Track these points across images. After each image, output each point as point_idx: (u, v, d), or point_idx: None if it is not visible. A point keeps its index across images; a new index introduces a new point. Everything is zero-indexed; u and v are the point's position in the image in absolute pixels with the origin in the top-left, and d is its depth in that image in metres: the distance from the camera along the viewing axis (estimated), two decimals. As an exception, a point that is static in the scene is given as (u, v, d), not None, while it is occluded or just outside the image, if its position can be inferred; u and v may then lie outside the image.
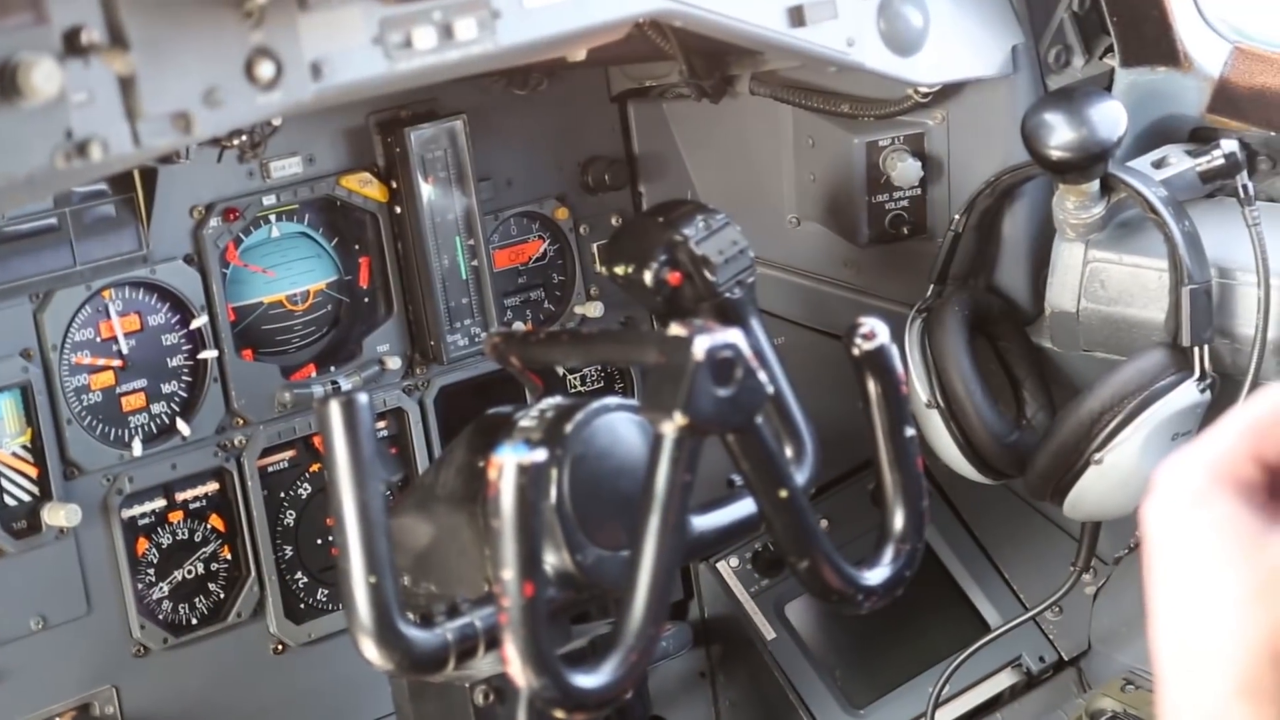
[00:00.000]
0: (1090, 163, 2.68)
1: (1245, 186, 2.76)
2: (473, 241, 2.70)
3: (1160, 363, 2.70)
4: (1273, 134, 2.82)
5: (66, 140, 1.99)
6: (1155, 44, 2.84)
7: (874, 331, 2.38)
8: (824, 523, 2.85)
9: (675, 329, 2.23)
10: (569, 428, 2.32)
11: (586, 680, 2.16)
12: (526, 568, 2.08)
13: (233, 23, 2.09)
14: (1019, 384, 2.92)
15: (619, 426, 2.36)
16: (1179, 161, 2.79)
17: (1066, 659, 3.06)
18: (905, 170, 2.88)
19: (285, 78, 2.12)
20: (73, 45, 1.98)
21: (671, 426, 2.18)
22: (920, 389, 2.80)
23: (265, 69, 2.10)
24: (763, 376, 2.25)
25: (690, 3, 2.44)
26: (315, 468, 2.63)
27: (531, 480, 2.08)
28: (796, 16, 2.55)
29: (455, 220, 2.69)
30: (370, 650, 2.16)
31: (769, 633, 3.02)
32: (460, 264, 2.69)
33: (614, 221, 2.90)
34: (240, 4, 2.09)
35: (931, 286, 2.87)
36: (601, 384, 2.92)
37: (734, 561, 3.03)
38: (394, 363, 2.68)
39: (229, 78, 2.08)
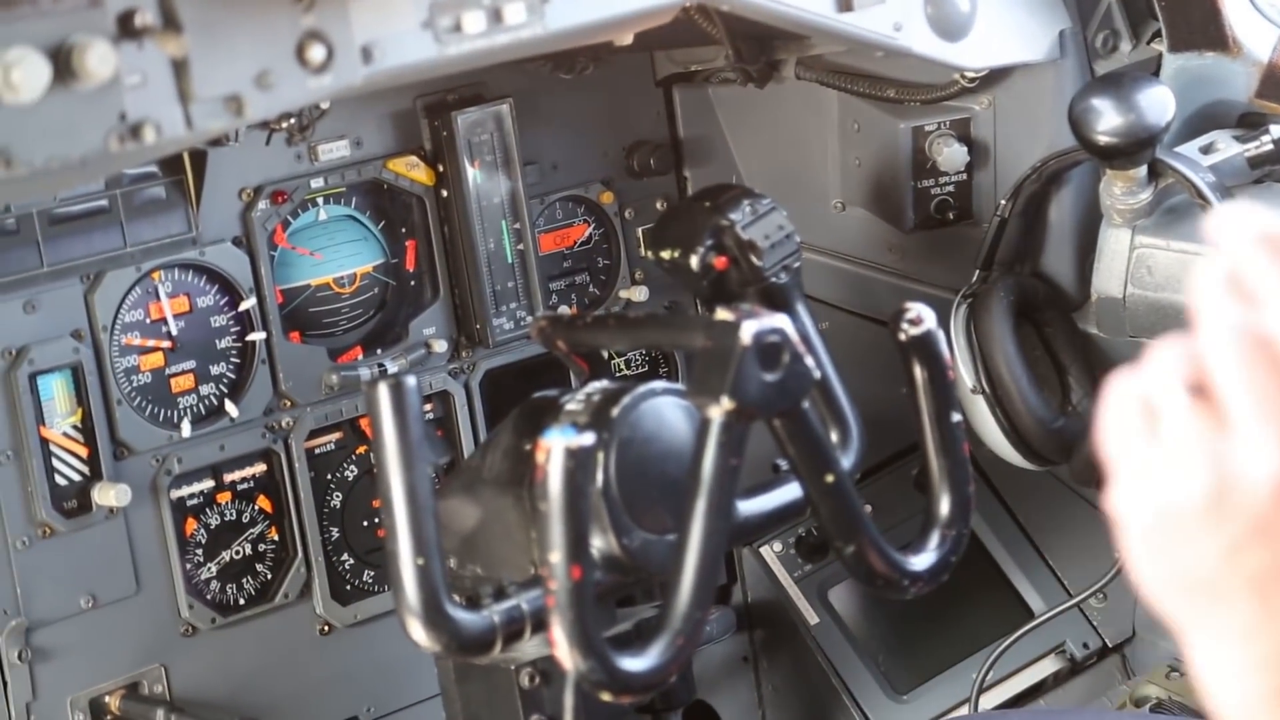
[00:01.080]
0: (1138, 148, 2.67)
1: (1296, 173, 2.74)
2: (518, 225, 2.71)
3: (1206, 350, 2.71)
4: (1322, 120, 2.80)
5: (120, 123, 2.00)
6: (1203, 29, 2.83)
7: (921, 317, 2.38)
8: (868, 508, 2.85)
9: (722, 314, 2.24)
10: (616, 412, 2.32)
11: (633, 663, 2.16)
12: (574, 551, 2.09)
13: (285, 6, 2.10)
14: (1064, 370, 2.91)
15: (666, 411, 2.36)
16: (1227, 147, 2.78)
17: (1111, 646, 3.06)
18: (951, 155, 2.88)
19: (336, 61, 2.12)
20: (127, 28, 1.99)
21: (719, 411, 2.19)
22: (966, 374, 2.80)
23: (316, 52, 2.11)
24: (809, 361, 2.26)
25: (738, -13, 2.45)
26: (362, 450, 2.64)
27: (579, 464, 2.09)
28: (844, 1, 2.55)
29: (501, 204, 2.69)
30: (418, 631, 2.17)
31: (812, 618, 3.02)
32: (506, 248, 2.70)
33: (659, 206, 2.90)
34: (291, -13, 2.11)
35: (977, 272, 2.87)
36: (646, 368, 2.92)
37: (777, 546, 3.03)
38: (440, 346, 2.69)
39: (280, 60, 2.09)
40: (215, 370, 2.53)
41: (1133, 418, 1.19)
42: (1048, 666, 3.04)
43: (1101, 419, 1.20)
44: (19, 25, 1.94)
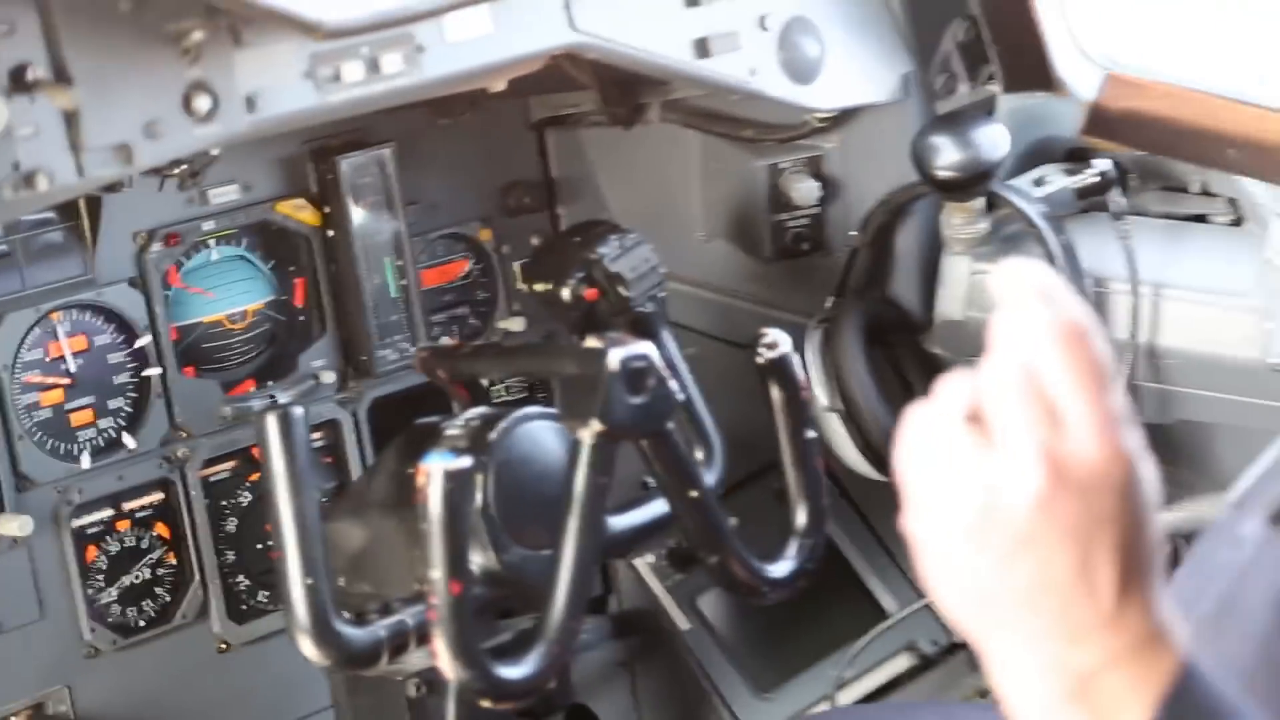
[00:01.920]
0: (975, 182, 2.71)
1: (1118, 203, 2.79)
2: (401, 262, 2.70)
3: (1041, 369, 2.73)
4: (1142, 153, 2.86)
5: (14, 172, 1.98)
6: (1033, 71, 2.86)
7: (777, 341, 2.41)
8: (733, 520, 2.86)
9: (591, 341, 2.25)
10: (493, 435, 2.33)
11: (511, 671, 2.17)
12: (453, 568, 2.10)
13: (171, 59, 2.09)
14: (912, 388, 2.92)
15: (540, 433, 2.37)
16: (1057, 180, 2.82)
17: (959, 642, 3.04)
18: (805, 190, 2.90)
19: (221, 110, 2.12)
20: (18, 82, 1.98)
21: (588, 433, 2.21)
22: (821, 394, 2.81)
23: (202, 102, 2.10)
24: (673, 385, 2.27)
25: (602, 36, 2.46)
26: (255, 477, 2.61)
27: (457, 486, 2.10)
28: (702, 48, 2.57)
29: (385, 242, 2.68)
30: (308, 647, 2.17)
31: (683, 624, 3.02)
32: (390, 283, 2.69)
33: (534, 241, 2.90)
34: (178, 41, 2.09)
35: (831, 299, 2.88)
36: (524, 394, 2.91)
37: (649, 558, 3.03)
38: (328, 377, 2.68)
39: (168, 111, 2.08)
40: (113, 404, 2.50)
41: (920, 446, 1.25)
42: (901, 663, 3.04)
43: (898, 449, 1.26)
44: (-86, 81, 1.93)
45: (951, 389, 1.24)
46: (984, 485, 1.21)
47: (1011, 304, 1.20)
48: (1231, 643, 1.59)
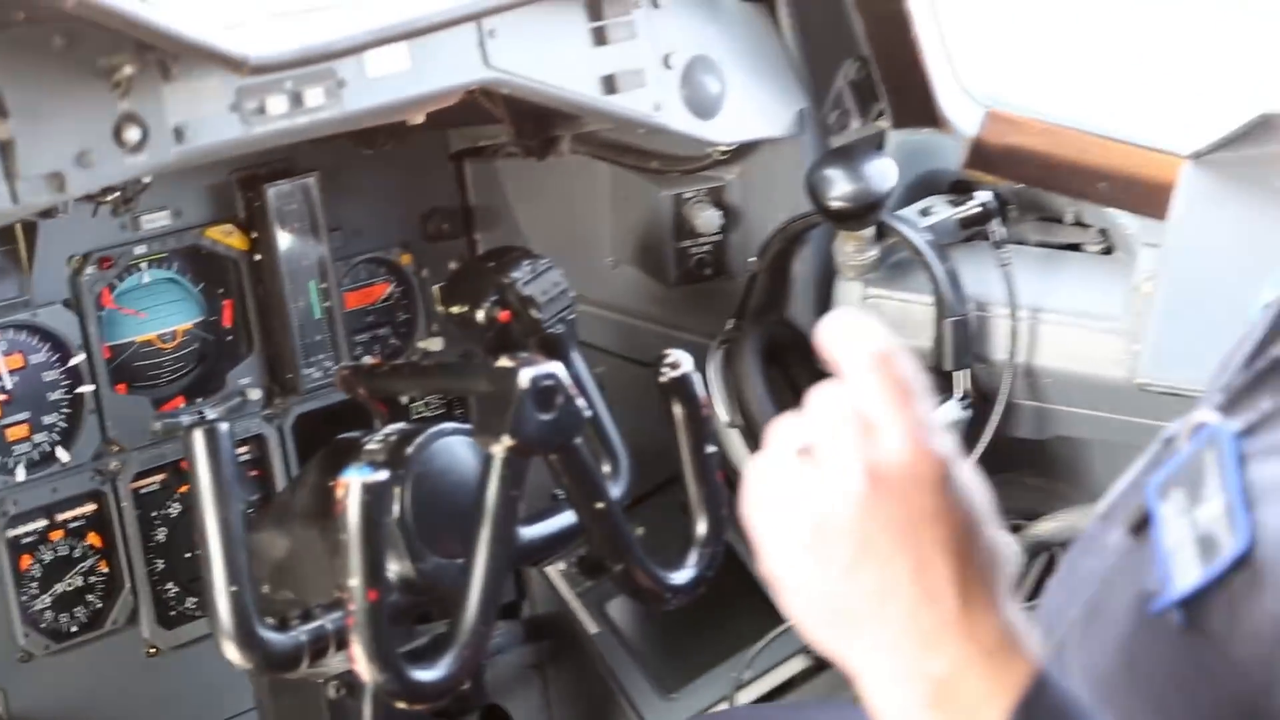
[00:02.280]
0: (865, 212, 2.73)
1: (998, 232, 2.82)
2: (325, 285, 2.69)
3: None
4: (1021, 186, 2.88)
5: (-50, 200, 1.98)
6: (920, 108, 2.89)
7: (679, 361, 2.42)
8: (640, 530, 2.86)
9: (503, 361, 2.25)
10: (410, 450, 2.33)
11: (425, 674, 2.17)
12: (370, 576, 2.10)
13: (103, 92, 2.08)
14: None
15: (455, 448, 2.37)
16: (941, 210, 2.84)
17: (853, 643, 3.07)
18: (707, 219, 2.91)
19: (150, 141, 2.11)
20: (-45, 114, 1.98)
21: (500, 448, 2.21)
22: (722, 410, 2.82)
23: (132, 133, 2.10)
24: (581, 403, 2.28)
25: (515, 73, 2.46)
26: (184, 489, 2.59)
27: (374, 498, 2.10)
28: (609, 84, 2.58)
29: (310, 266, 2.67)
30: (232, 652, 2.17)
31: (592, 628, 3.01)
32: (314, 305, 2.68)
33: (452, 266, 2.88)
34: (109, 75, 2.08)
35: (731, 321, 2.90)
36: (443, 410, 2.91)
37: (560, 565, 3.02)
38: (255, 394, 2.67)
39: (99, 141, 2.08)
40: (48, 420, 2.48)
41: (759, 487, 1.31)
42: (797, 664, 3.03)
43: (744, 499, 1.32)
44: None
45: (781, 430, 1.30)
46: (815, 501, 1.26)
47: (834, 346, 1.28)
48: (1097, 647, 1.61)
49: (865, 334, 1.29)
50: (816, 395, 1.29)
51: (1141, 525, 1.57)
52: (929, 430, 1.27)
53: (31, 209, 2.06)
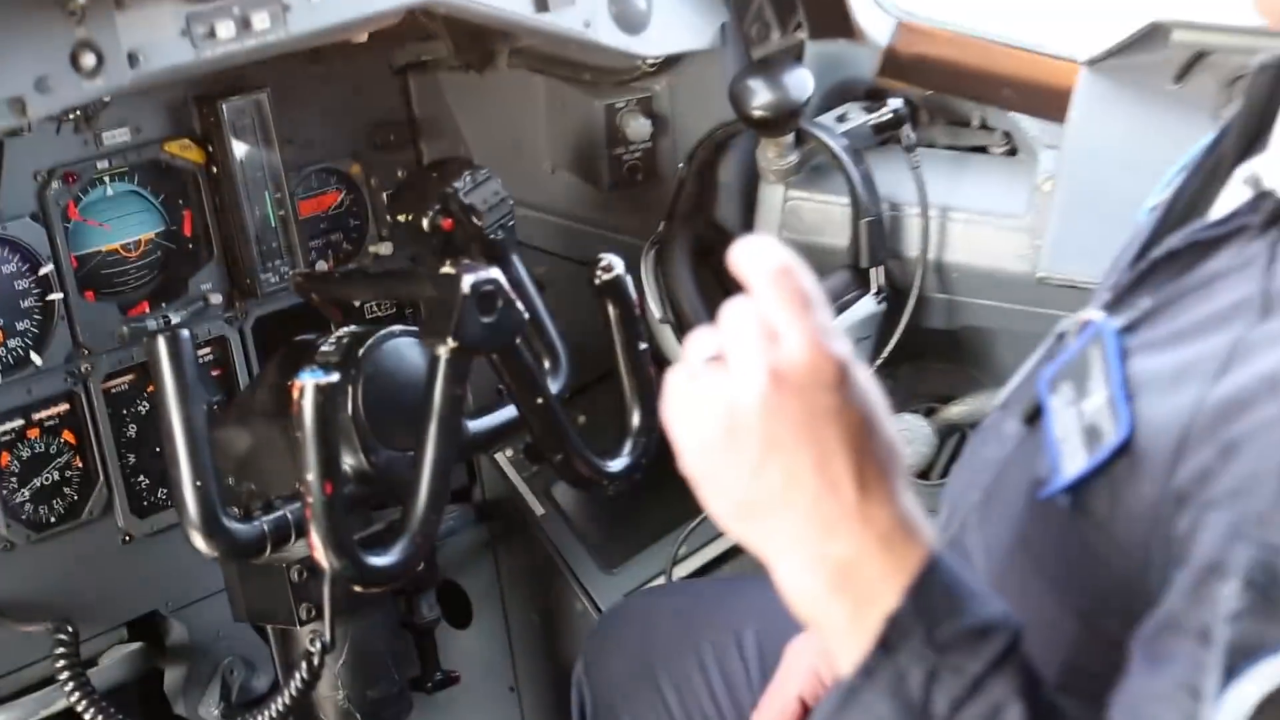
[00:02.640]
0: (785, 120, 2.73)
1: (909, 136, 2.83)
2: (280, 195, 2.67)
3: (845, 281, 2.77)
4: (930, 93, 2.89)
5: (-86, 127, 1.97)
6: (835, 20, 2.88)
7: (611, 265, 2.43)
8: (581, 418, 2.89)
9: (446, 268, 2.26)
10: (361, 352, 2.34)
11: (379, 560, 2.19)
12: (325, 470, 2.11)
13: (59, 20, 2.08)
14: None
15: (404, 349, 2.38)
16: (856, 117, 2.85)
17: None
18: (638, 127, 2.91)
19: (106, 66, 2.11)
20: (-83, 43, 1.97)
21: (445, 349, 2.23)
22: (654, 307, 2.84)
23: (88, 59, 2.09)
24: (520, 306, 2.29)
25: (450, -7, 2.46)
26: (152, 388, 2.59)
27: (327, 399, 2.11)
28: (541, 3, 2.57)
29: (264, 177, 2.65)
30: (199, 541, 2.19)
31: (539, 509, 3.04)
32: (270, 214, 2.67)
33: (400, 174, 2.88)
34: (64, 4, 2.07)
35: (662, 223, 2.90)
36: (393, 311, 2.91)
37: (509, 452, 3.05)
38: (216, 298, 2.66)
39: (57, 67, 2.07)
40: (21, 326, 2.46)
41: (675, 394, 1.36)
42: (727, 541, 3.06)
43: (664, 406, 1.37)
44: None
45: (695, 342, 1.35)
46: (724, 403, 1.30)
47: (742, 264, 1.33)
48: (995, 526, 1.65)
49: (770, 252, 1.32)
50: (727, 308, 1.32)
51: (1034, 416, 1.60)
52: (827, 334, 1.31)
53: (-7, 133, 2.06)
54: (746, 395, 1.30)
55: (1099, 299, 1.67)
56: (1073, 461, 1.48)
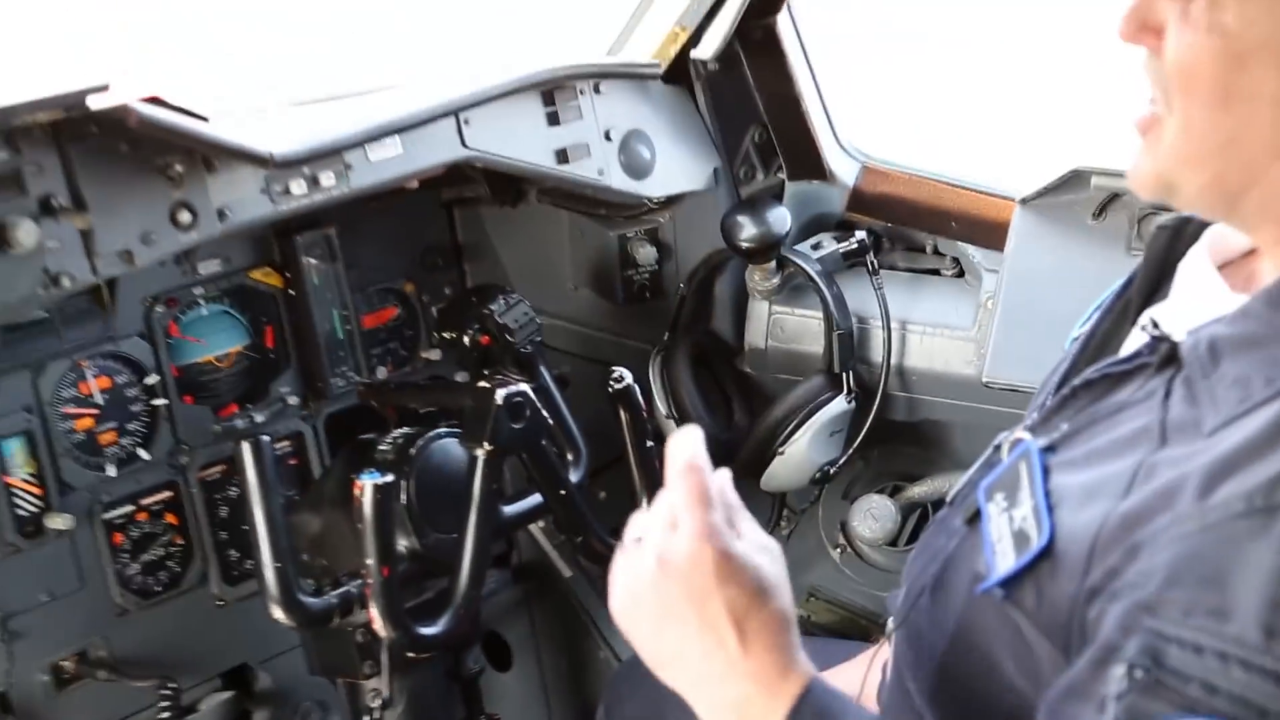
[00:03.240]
0: (768, 249, 2.76)
1: (872, 262, 2.84)
2: (346, 311, 2.69)
3: (821, 384, 2.78)
4: (890, 225, 2.90)
5: (45, 276, 2.00)
6: (810, 164, 2.91)
7: (622, 376, 2.45)
8: (603, 494, 2.89)
9: (482, 383, 2.28)
10: (413, 451, 2.37)
11: (428, 630, 2.22)
12: (383, 556, 2.14)
13: (160, 184, 2.11)
14: (730, 399, 2.96)
15: (449, 448, 2.41)
16: (829, 245, 2.86)
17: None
18: (646, 253, 2.93)
19: (199, 221, 2.14)
20: (46, 208, 2.00)
21: (482, 451, 2.26)
22: (660, 405, 2.85)
23: (184, 216, 2.12)
24: (545, 414, 2.30)
25: (486, 150, 2.49)
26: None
27: (384, 496, 2.13)
28: (562, 156, 2.60)
29: (333, 297, 2.68)
30: (278, 613, 2.23)
31: (566, 571, 3.05)
32: (337, 327, 2.69)
33: (447, 292, 2.90)
34: (164, 171, 2.10)
35: (667, 333, 2.92)
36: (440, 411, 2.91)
37: (541, 524, 3.05)
38: (293, 400, 2.68)
39: (158, 224, 2.10)
40: (131, 427, 2.49)
41: (615, 562, 1.50)
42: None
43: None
44: (-34, 213, 1.94)
45: (633, 523, 1.51)
46: (631, 578, 1.45)
47: (669, 460, 1.45)
48: (942, 610, 1.64)
49: (686, 450, 1.45)
50: (673, 484, 1.46)
51: (974, 518, 1.60)
52: (712, 530, 1.43)
53: (108, 278, 2.08)
54: (643, 575, 1.44)
55: (1029, 418, 1.67)
56: (1004, 561, 1.48)
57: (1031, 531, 1.45)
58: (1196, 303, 1.53)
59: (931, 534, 1.77)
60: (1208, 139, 1.38)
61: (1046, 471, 1.50)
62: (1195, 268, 1.58)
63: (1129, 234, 2.49)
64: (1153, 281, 1.66)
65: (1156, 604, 1.25)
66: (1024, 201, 2.64)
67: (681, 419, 2.83)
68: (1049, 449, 1.53)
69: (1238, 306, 1.43)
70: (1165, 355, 1.50)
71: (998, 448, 1.68)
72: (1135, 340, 1.59)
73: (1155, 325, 1.54)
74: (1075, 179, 2.56)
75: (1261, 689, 1.19)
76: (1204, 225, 1.59)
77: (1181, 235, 1.63)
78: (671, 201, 2.88)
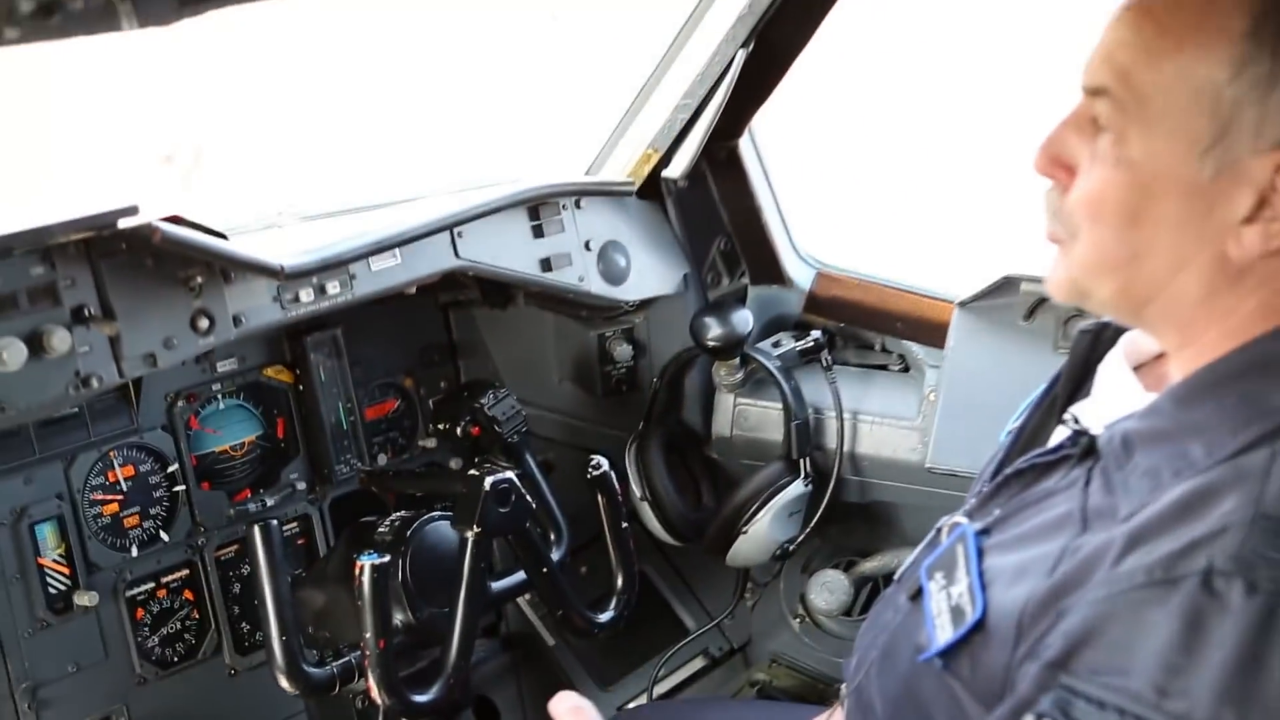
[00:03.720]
0: (733, 347, 2.78)
1: (827, 358, 2.85)
2: (350, 404, 2.69)
3: (781, 469, 2.78)
4: (843, 325, 2.92)
5: (76, 378, 2.01)
6: (770, 271, 2.94)
7: (600, 464, 2.45)
8: (584, 569, 2.89)
9: (473, 470, 2.28)
10: (409, 532, 2.35)
11: (421, 698, 2.20)
12: (379, 630, 2.13)
13: (181, 294, 2.13)
14: (699, 482, 2.97)
15: (441, 529, 2.39)
16: (787, 344, 2.88)
17: (736, 647, 3.10)
18: (622, 351, 2.94)
19: (216, 327, 2.15)
20: (78, 317, 2.01)
21: (471, 533, 2.24)
22: (636, 488, 2.85)
23: (203, 322, 2.14)
24: (529, 499, 2.30)
25: (478, 261, 2.52)
26: (252, 556, 2.60)
27: (380, 575, 2.12)
28: (546, 265, 2.62)
29: (338, 391, 2.68)
30: (284, 683, 2.21)
31: (550, 640, 3.03)
32: (342, 419, 2.69)
33: (442, 386, 2.89)
34: (186, 282, 2.12)
35: (642, 423, 2.92)
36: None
37: (527, 597, 3.03)
38: (301, 485, 2.67)
39: (180, 330, 2.12)
40: (153, 511, 2.49)
41: None
42: (698, 663, 3.05)
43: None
44: (6, 323, 1.94)
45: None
46: None
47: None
48: (888, 678, 1.65)
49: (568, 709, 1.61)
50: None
51: (917, 595, 1.62)
52: None
53: (133, 378, 2.09)
54: None
55: (968, 503, 1.69)
56: (943, 633, 1.50)
57: (967, 607, 1.47)
58: (1113, 400, 1.56)
59: (880, 608, 1.78)
60: (1115, 254, 1.42)
61: (981, 553, 1.52)
62: (1113, 368, 1.61)
63: (1055, 334, 2.51)
64: (1076, 380, 1.69)
65: (1068, 662, 1.29)
66: (962, 304, 2.67)
67: (655, 501, 2.84)
68: (984, 532, 1.55)
69: (1148, 404, 1.46)
70: (1085, 448, 1.52)
71: (939, 530, 1.69)
72: (1060, 434, 1.61)
73: (1076, 420, 1.57)
74: (1007, 284, 2.59)
75: None
76: (1121, 330, 1.62)
77: (1101, 338, 1.66)
78: (645, 304, 2.90)
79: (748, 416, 2.89)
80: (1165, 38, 1.37)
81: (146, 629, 2.50)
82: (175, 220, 2.02)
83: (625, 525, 2.46)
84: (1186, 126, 1.35)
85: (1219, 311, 1.40)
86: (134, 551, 2.46)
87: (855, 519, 2.93)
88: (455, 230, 2.46)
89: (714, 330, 2.75)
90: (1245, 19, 1.33)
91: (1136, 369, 1.58)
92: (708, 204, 2.89)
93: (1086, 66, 1.43)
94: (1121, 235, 1.40)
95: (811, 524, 2.82)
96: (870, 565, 2.90)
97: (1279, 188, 1.34)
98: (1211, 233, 1.37)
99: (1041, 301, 2.55)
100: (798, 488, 2.77)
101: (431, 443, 2.87)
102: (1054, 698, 1.29)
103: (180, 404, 2.51)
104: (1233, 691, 1.21)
